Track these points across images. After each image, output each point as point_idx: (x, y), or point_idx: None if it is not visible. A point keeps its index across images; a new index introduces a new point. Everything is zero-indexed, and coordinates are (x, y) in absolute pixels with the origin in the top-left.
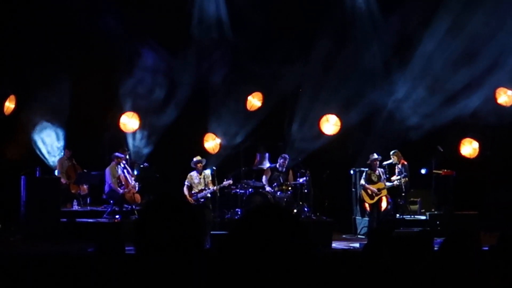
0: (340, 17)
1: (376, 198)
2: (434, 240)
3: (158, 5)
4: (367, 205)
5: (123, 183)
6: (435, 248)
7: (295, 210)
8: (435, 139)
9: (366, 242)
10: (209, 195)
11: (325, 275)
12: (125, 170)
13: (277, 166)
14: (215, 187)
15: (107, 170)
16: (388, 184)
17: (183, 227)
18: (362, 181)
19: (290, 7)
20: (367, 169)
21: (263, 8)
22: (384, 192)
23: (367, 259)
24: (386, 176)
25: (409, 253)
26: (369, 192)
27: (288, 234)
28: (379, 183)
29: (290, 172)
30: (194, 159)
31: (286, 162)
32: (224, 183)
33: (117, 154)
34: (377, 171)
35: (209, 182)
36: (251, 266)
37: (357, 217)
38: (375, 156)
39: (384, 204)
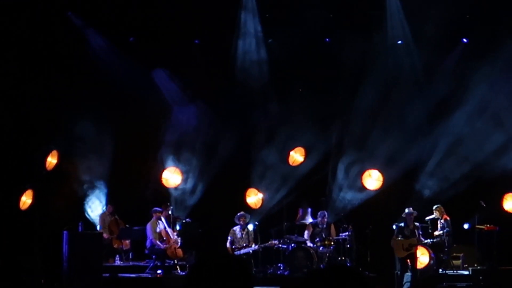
0: (384, 73)
1: (406, 253)
2: None
3: (200, 60)
4: (408, 260)
5: (164, 238)
6: None
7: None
8: (477, 194)
9: None
10: (251, 251)
11: None
12: (166, 225)
13: (317, 222)
14: (257, 246)
15: (148, 225)
16: (424, 240)
17: (235, 282)
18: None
19: (332, 63)
20: (401, 223)
21: (306, 62)
22: (416, 247)
23: None
24: (421, 231)
25: None
26: (399, 245)
27: None
28: (412, 239)
29: (332, 227)
30: (238, 214)
31: (325, 219)
32: (269, 243)
33: (156, 208)
34: (411, 226)
35: (252, 239)
36: None
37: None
38: (411, 210)
39: (425, 259)
